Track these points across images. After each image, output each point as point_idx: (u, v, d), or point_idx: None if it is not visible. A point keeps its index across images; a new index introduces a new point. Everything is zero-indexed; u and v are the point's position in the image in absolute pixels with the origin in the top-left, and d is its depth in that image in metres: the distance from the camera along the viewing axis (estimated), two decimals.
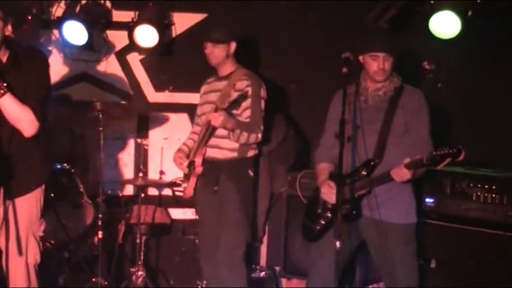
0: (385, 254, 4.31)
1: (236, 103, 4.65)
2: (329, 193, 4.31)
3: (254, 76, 4.97)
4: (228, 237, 4.88)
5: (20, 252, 4.02)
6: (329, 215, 4.35)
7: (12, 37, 3.97)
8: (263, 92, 4.93)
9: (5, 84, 3.74)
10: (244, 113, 4.83)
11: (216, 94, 5.00)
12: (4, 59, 3.86)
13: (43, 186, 4.17)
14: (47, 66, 4.08)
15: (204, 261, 5.12)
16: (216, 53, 4.91)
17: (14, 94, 3.78)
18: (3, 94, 3.73)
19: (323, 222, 4.38)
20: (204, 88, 5.21)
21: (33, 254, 4.13)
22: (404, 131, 4.29)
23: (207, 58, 4.96)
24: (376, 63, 4.29)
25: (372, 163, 4.23)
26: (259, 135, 4.87)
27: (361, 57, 4.35)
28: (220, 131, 4.82)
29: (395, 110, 4.31)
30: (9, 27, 3.83)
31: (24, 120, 3.86)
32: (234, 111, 4.72)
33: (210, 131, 4.84)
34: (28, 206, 4.07)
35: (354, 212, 4.26)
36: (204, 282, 5.40)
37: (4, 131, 3.80)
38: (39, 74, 3.99)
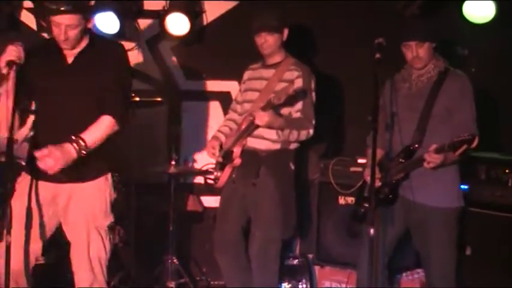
0: (424, 237, 4.35)
1: (294, 98, 4.42)
2: None
3: (304, 66, 4.76)
4: (263, 233, 4.73)
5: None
6: None
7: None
8: (314, 84, 4.74)
9: (84, 144, 3.79)
10: (296, 107, 4.64)
11: (261, 82, 4.80)
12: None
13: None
14: (123, 56, 4.07)
15: (222, 257, 4.93)
16: (270, 41, 4.69)
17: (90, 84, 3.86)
18: (85, 149, 3.81)
19: (367, 205, 4.40)
20: (247, 74, 5.01)
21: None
22: (446, 116, 4.28)
23: (259, 47, 4.75)
24: (410, 52, 4.34)
25: (411, 148, 4.28)
26: (311, 131, 4.66)
27: None
28: None
29: (437, 95, 4.32)
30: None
31: (110, 133, 3.94)
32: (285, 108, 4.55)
33: (252, 127, 4.61)
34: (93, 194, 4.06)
35: (391, 196, 4.32)
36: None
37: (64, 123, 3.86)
38: (116, 66, 3.99)
